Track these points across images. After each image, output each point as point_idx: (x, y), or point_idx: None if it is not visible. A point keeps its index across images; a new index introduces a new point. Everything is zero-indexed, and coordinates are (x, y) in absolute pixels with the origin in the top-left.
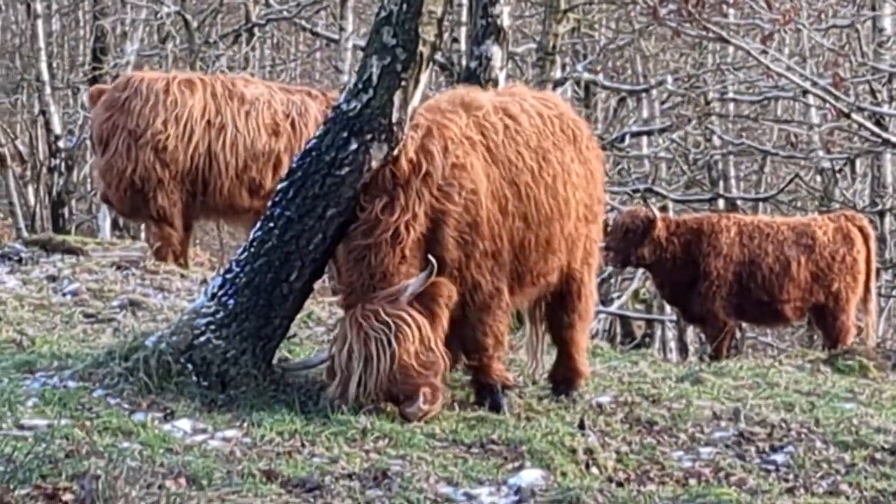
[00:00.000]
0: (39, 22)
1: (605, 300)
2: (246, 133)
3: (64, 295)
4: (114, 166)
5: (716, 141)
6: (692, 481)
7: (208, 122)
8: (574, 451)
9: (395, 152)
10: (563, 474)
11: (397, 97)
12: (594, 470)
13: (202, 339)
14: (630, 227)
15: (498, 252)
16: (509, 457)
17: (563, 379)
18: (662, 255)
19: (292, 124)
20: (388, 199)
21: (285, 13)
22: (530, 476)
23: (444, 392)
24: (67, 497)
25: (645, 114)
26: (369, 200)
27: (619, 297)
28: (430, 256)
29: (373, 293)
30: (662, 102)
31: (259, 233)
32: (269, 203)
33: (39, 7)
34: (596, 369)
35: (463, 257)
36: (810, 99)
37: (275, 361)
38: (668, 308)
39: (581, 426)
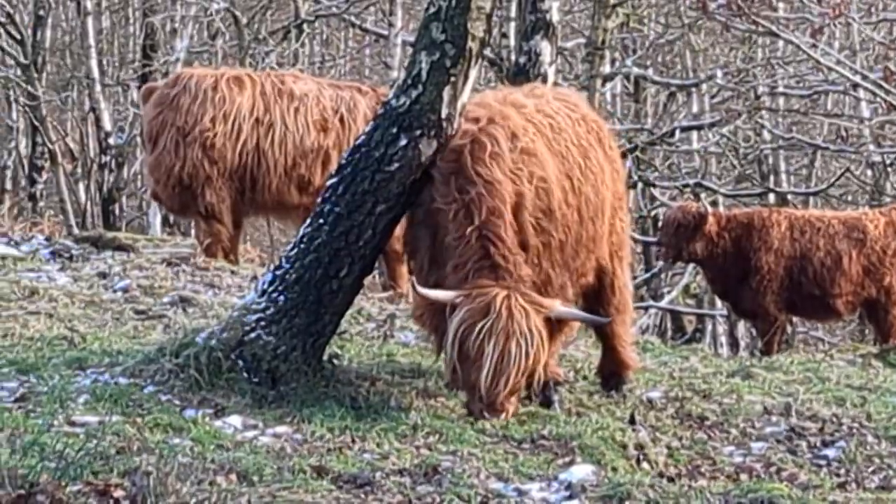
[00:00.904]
0: (89, 19)
1: (656, 295)
2: (295, 130)
3: (115, 291)
4: (162, 163)
5: (766, 135)
6: (743, 476)
7: (257, 119)
8: (625, 446)
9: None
10: (614, 469)
11: (446, 93)
12: (645, 465)
13: (252, 335)
14: (682, 223)
15: (564, 244)
16: (560, 452)
17: (611, 373)
18: (714, 251)
19: (341, 120)
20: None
21: (334, 9)
22: (581, 471)
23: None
24: (119, 493)
25: (695, 108)
26: (444, 187)
27: (669, 293)
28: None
29: (516, 280)
30: (712, 97)
31: (309, 229)
32: (319, 199)
33: (89, 4)
34: (646, 364)
35: (541, 246)
36: (861, 93)
37: (325, 358)
38: (718, 303)
39: (632, 421)
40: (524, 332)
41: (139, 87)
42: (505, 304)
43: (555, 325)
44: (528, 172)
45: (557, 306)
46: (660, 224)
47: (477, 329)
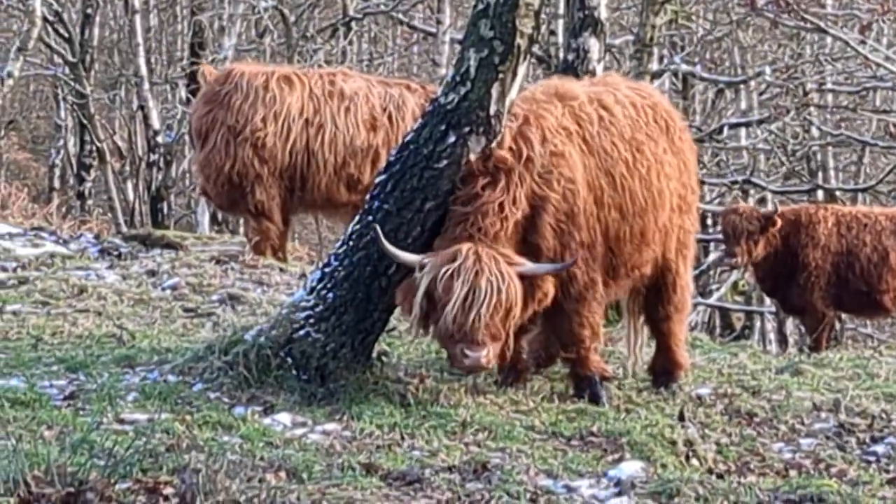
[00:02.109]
0: (137, 17)
1: (704, 292)
2: (345, 130)
3: (163, 289)
4: (213, 161)
5: (814, 132)
6: (792, 473)
7: (307, 120)
8: (674, 442)
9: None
10: (663, 466)
11: (495, 89)
12: (694, 462)
13: (301, 332)
14: (749, 228)
15: (593, 243)
16: (609, 449)
17: (663, 371)
18: (767, 249)
19: (389, 118)
20: (489, 180)
21: (382, 7)
22: (630, 468)
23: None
24: (168, 491)
25: (743, 105)
26: (471, 181)
27: (718, 289)
28: (569, 257)
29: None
30: (761, 93)
31: (357, 226)
32: (368, 196)
33: (137, 3)
34: (696, 361)
35: (559, 247)
36: None
37: (374, 355)
38: (767, 300)
39: (681, 418)
40: (494, 272)
41: (187, 86)
42: (472, 251)
43: (531, 284)
44: (556, 174)
45: (527, 263)
46: (722, 230)
47: (444, 272)
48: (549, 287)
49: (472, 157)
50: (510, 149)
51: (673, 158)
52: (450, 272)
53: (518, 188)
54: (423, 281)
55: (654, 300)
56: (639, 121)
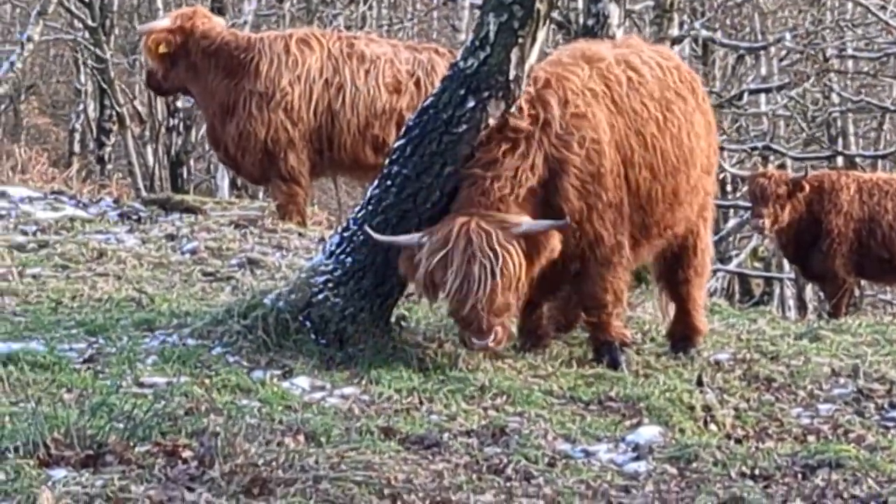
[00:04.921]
0: None
1: (724, 258)
2: (365, 92)
3: (183, 253)
4: (247, 131)
5: (834, 98)
6: (811, 438)
7: (326, 81)
8: (692, 407)
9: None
10: (682, 431)
11: (514, 54)
12: (712, 427)
13: (320, 296)
14: (778, 192)
15: (621, 204)
16: (627, 414)
17: (682, 336)
18: (792, 216)
19: (417, 83)
20: (508, 146)
21: None
22: (648, 433)
23: (510, 336)
24: (187, 454)
25: (763, 71)
26: (488, 144)
27: (737, 256)
28: (567, 219)
29: (484, 207)
30: (781, 59)
31: (377, 190)
32: (387, 161)
33: None
34: (714, 327)
35: (585, 208)
36: None
37: (392, 319)
38: (786, 266)
39: (699, 383)
40: (486, 253)
41: None
42: (463, 231)
43: (534, 242)
44: (578, 137)
45: (525, 221)
46: (750, 193)
47: (437, 259)
48: (556, 242)
49: (492, 121)
50: (529, 114)
51: (701, 118)
52: (441, 261)
53: (536, 153)
54: (420, 266)
55: (674, 264)
56: (666, 81)
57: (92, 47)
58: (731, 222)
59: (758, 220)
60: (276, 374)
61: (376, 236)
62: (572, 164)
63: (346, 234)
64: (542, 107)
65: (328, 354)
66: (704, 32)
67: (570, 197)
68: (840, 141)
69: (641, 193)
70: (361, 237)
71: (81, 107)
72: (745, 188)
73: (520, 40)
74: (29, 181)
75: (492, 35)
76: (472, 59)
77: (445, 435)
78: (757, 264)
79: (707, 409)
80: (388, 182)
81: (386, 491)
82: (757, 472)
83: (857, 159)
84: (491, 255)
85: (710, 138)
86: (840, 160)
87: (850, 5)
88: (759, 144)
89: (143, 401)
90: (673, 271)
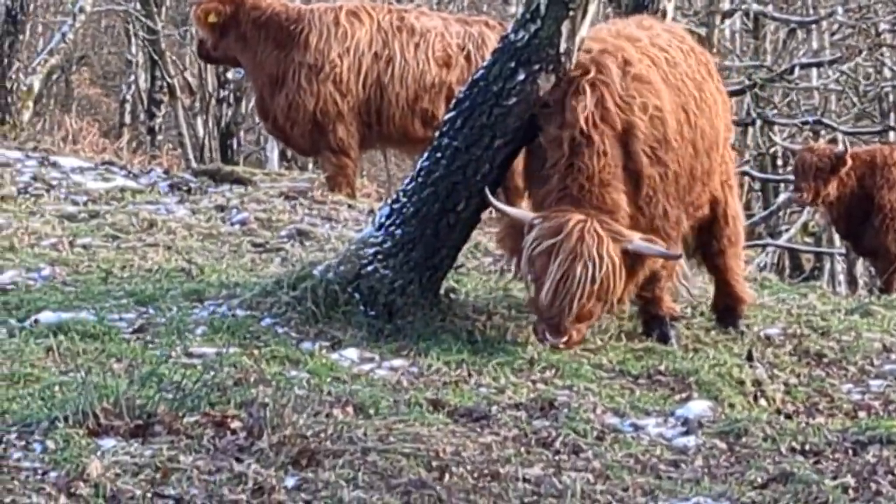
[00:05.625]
0: None
1: (774, 233)
2: (414, 65)
3: (232, 224)
4: (296, 102)
5: (886, 72)
6: (861, 414)
7: (375, 53)
8: (742, 382)
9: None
10: (731, 406)
11: (565, 27)
12: (762, 402)
13: (369, 268)
14: (819, 166)
15: (679, 177)
16: (676, 388)
17: (726, 308)
18: (842, 191)
19: (467, 56)
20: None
21: None
22: (698, 407)
23: (581, 341)
24: (235, 424)
25: (815, 45)
26: (550, 117)
27: (787, 231)
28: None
29: (598, 210)
30: (832, 34)
31: (426, 163)
32: (437, 133)
33: None
34: (764, 301)
35: (657, 177)
36: None
37: (441, 291)
38: (837, 241)
39: (749, 358)
40: (593, 257)
41: None
42: (577, 227)
43: (637, 260)
44: (640, 101)
45: (637, 239)
46: (794, 167)
47: (544, 247)
48: (657, 267)
49: (542, 94)
50: (585, 72)
51: (719, 97)
52: (548, 250)
53: (605, 109)
54: (526, 247)
55: (706, 236)
56: (690, 60)
57: (143, 18)
58: (782, 197)
59: (797, 193)
60: (325, 345)
61: (492, 200)
62: (640, 128)
63: (395, 206)
64: (600, 69)
65: (377, 326)
66: (756, 6)
67: (644, 161)
68: (892, 115)
69: (685, 170)
70: (412, 209)
71: (132, 78)
72: None
73: (570, 13)
74: (80, 151)
75: (542, 8)
76: (523, 31)
77: (494, 408)
78: (807, 239)
79: (757, 383)
80: (438, 154)
81: (434, 463)
82: (807, 447)
83: None
84: (597, 259)
85: (727, 117)
86: (892, 135)
87: None
88: (811, 119)
89: (192, 371)
90: (707, 244)
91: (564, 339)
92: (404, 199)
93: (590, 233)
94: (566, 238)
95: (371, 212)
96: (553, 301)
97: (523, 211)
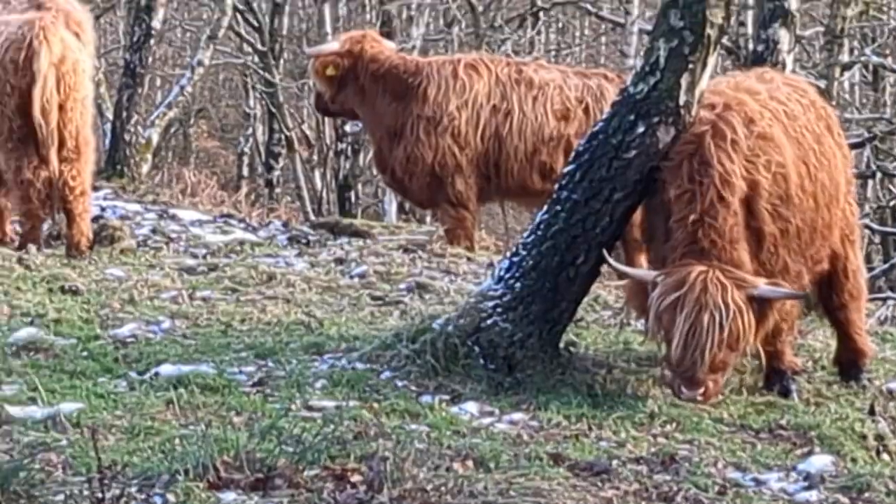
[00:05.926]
0: (326, 6)
1: (895, 286)
2: (532, 118)
3: (351, 277)
4: (414, 155)
5: None
6: None
7: (494, 106)
8: (864, 437)
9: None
10: (853, 460)
11: (685, 80)
12: (885, 456)
13: (489, 321)
14: None
15: (801, 231)
16: (798, 442)
17: (848, 361)
18: None
19: (585, 109)
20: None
21: None
22: (820, 462)
23: (719, 393)
24: (356, 478)
25: None
26: (676, 173)
27: None
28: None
29: (723, 262)
30: None
31: (546, 216)
32: (556, 186)
33: None
34: (886, 355)
35: (778, 234)
36: None
37: (561, 345)
38: None
39: (871, 412)
40: (718, 305)
41: None
42: (700, 278)
43: (764, 306)
44: (764, 159)
45: (761, 284)
46: None
47: (669, 301)
48: (786, 309)
49: (662, 147)
50: (713, 131)
51: (839, 151)
52: (673, 304)
53: (731, 170)
54: (653, 305)
55: (827, 290)
56: (809, 115)
57: (261, 71)
58: None
59: None
60: (445, 398)
61: (612, 262)
62: (763, 187)
63: (515, 259)
64: (727, 126)
65: (497, 379)
66: (875, 58)
67: (766, 220)
68: None
69: (807, 224)
70: (531, 262)
71: (250, 130)
72: None
73: (690, 66)
74: (198, 204)
75: (662, 60)
76: (643, 84)
77: (615, 462)
78: None
79: (879, 438)
80: (558, 207)
81: None
82: None
83: None
84: (723, 308)
85: (847, 171)
86: None
87: None
88: None
89: (312, 424)
90: (828, 298)
91: (701, 391)
92: (524, 252)
93: (713, 282)
94: (690, 289)
95: (490, 265)
96: (684, 354)
97: (644, 270)
